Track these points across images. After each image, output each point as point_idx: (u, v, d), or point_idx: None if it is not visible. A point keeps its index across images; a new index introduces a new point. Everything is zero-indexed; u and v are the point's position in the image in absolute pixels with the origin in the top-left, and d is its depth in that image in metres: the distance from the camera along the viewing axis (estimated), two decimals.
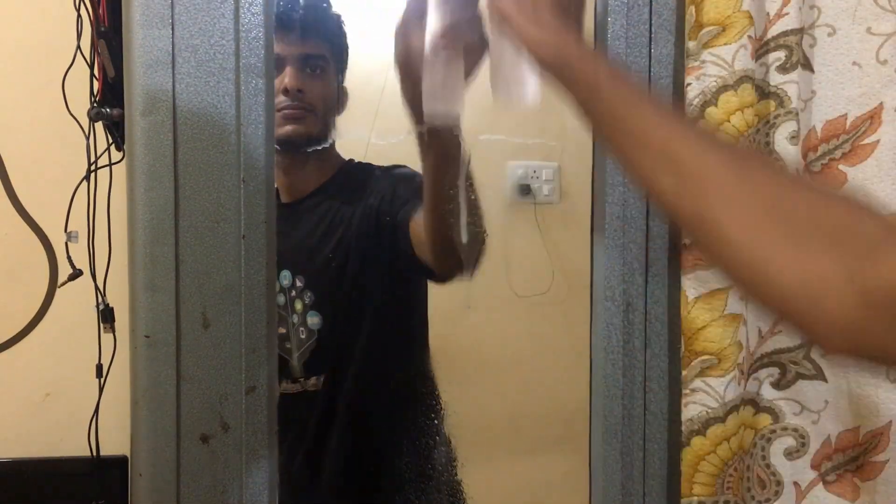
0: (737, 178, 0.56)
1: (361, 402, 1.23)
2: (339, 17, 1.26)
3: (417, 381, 1.29)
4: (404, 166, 1.20)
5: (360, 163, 1.28)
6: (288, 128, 1.18)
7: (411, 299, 1.26)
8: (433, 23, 0.75)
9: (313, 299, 1.20)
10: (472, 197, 1.03)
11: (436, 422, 1.32)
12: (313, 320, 1.19)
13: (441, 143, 0.92)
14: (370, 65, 1.32)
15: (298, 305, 1.20)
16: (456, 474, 1.36)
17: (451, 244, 1.04)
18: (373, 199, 1.20)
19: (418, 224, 1.09)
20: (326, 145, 1.25)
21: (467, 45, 0.75)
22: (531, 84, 0.71)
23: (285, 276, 1.21)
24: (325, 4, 1.25)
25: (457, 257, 1.06)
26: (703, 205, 0.56)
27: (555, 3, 0.65)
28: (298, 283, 1.21)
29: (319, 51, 1.22)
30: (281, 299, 1.22)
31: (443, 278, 1.19)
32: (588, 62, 0.63)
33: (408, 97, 0.85)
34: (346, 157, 1.29)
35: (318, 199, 1.24)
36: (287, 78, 1.17)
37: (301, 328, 1.20)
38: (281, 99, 1.17)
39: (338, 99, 1.26)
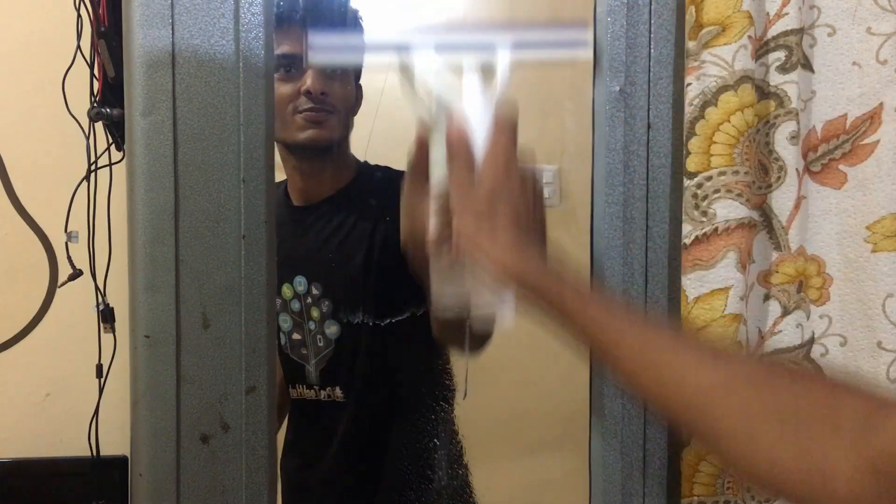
0: (725, 388, 0.57)
1: (379, 414, 1.21)
2: (357, 12, 1.21)
3: (437, 386, 1.27)
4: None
5: (376, 166, 1.25)
6: (310, 131, 1.14)
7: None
8: (433, 224, 0.72)
9: (331, 308, 1.17)
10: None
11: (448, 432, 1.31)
12: (331, 329, 1.17)
13: (451, 324, 0.90)
14: (370, 65, 1.32)
15: (315, 313, 1.18)
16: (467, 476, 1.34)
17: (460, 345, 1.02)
18: (393, 224, 1.13)
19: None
20: (345, 147, 1.22)
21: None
22: (507, 301, 0.70)
23: (300, 283, 1.18)
24: (345, 4, 1.20)
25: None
26: (687, 402, 0.58)
27: (515, 221, 0.65)
28: (315, 291, 1.17)
29: None
30: (296, 305, 1.19)
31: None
32: (552, 281, 0.64)
33: (417, 277, 0.82)
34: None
35: (336, 205, 1.20)
36: (309, 80, 1.13)
37: (319, 336, 1.18)
38: (302, 101, 1.13)
39: (355, 98, 1.23)
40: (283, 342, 1.24)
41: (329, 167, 1.20)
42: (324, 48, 1.16)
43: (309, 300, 1.18)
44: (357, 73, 1.24)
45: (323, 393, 1.22)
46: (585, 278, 0.66)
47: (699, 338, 0.70)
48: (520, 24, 0.74)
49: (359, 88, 1.24)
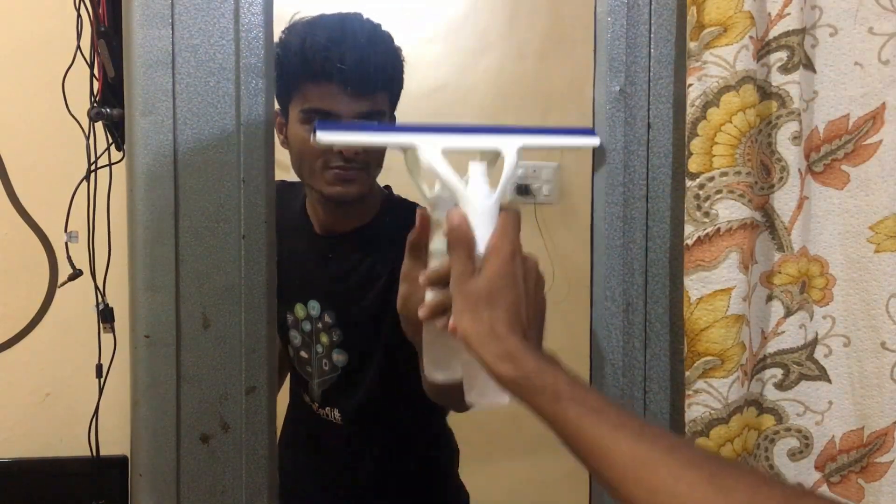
0: (711, 484, 0.57)
1: (376, 443, 1.20)
2: (400, 51, 1.14)
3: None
4: None
5: (401, 200, 1.20)
6: (338, 188, 1.09)
7: None
8: (428, 298, 0.71)
9: (342, 339, 1.15)
10: None
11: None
12: (339, 357, 1.15)
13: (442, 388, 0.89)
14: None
15: (325, 339, 1.16)
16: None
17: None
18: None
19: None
20: (370, 191, 1.16)
21: None
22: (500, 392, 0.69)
23: (314, 307, 1.16)
24: (394, 49, 1.13)
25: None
26: None
27: (511, 317, 0.65)
28: (328, 319, 1.16)
29: (382, 106, 1.10)
30: (307, 326, 1.18)
31: None
32: (547, 376, 0.63)
33: (410, 338, 0.82)
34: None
35: (358, 241, 1.16)
36: None
37: (325, 360, 1.17)
38: (333, 157, 1.07)
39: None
40: (291, 354, 1.23)
41: (355, 209, 1.16)
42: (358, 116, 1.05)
43: (320, 325, 1.16)
44: (393, 110, 1.17)
45: (322, 411, 1.22)
46: (581, 378, 0.65)
47: (694, 449, 0.68)
48: (529, 128, 0.75)
49: (393, 119, 1.18)
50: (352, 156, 1.06)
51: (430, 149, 0.69)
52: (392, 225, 1.16)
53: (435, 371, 0.75)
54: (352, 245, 1.17)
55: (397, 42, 1.13)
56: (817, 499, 0.65)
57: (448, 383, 0.74)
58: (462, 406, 0.87)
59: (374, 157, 1.10)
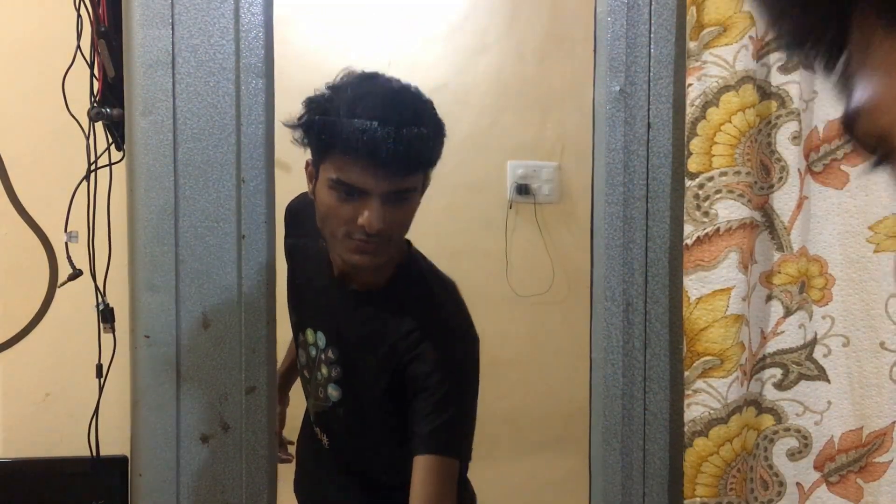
0: None
1: (358, 473, 1.22)
2: (442, 126, 1.05)
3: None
4: (462, 307, 1.12)
5: (419, 261, 1.16)
6: (358, 258, 1.03)
7: None
8: None
9: (340, 375, 1.16)
10: None
11: None
12: (333, 392, 1.16)
13: None
14: (370, 64, 1.32)
15: (325, 370, 1.15)
16: None
17: None
18: (425, 335, 1.07)
19: (417, 469, 1.01)
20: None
21: None
22: None
23: (321, 338, 1.15)
24: (433, 124, 1.03)
25: None
26: None
27: None
28: (331, 354, 1.14)
29: (413, 184, 1.03)
30: (312, 352, 1.17)
31: None
32: None
33: None
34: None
35: (372, 299, 1.13)
36: (367, 217, 0.98)
37: (321, 389, 1.18)
38: (356, 230, 1.01)
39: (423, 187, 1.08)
40: (297, 365, 1.25)
41: (373, 270, 1.10)
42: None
43: (322, 357, 1.16)
44: (432, 168, 1.08)
45: (315, 429, 1.23)
46: None
47: None
48: None
49: (427, 177, 1.09)
50: (375, 232, 1.01)
51: None
52: (405, 293, 1.12)
53: None
54: (365, 301, 1.14)
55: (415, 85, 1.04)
56: None
57: None
58: None
59: (397, 228, 1.05)
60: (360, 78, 1.02)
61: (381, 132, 0.97)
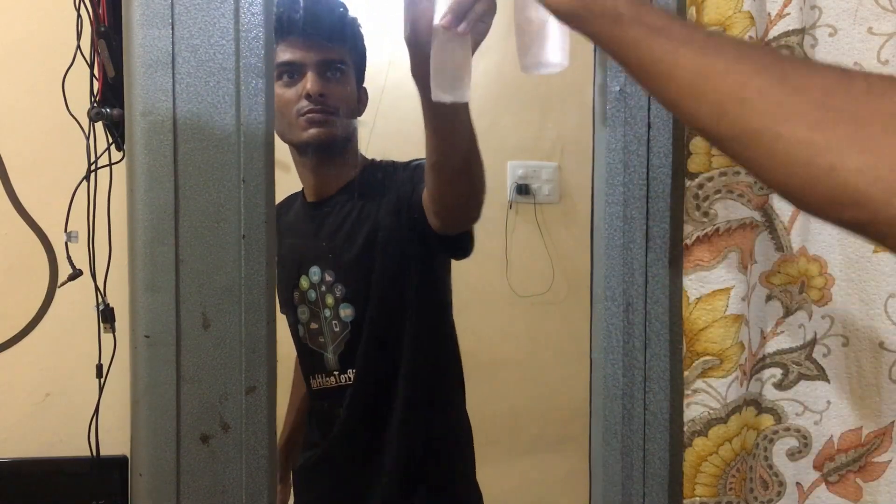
0: (783, 85, 0.52)
1: (395, 395, 1.23)
2: (356, 20, 1.28)
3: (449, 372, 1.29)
4: (422, 159, 1.21)
5: (381, 161, 1.31)
6: (312, 131, 1.21)
7: (438, 287, 1.27)
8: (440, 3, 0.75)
9: (344, 292, 1.22)
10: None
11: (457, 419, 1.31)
12: (346, 312, 1.22)
13: (446, 116, 0.93)
14: (370, 64, 1.33)
15: (330, 300, 1.23)
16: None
17: (457, 177, 1.05)
18: (394, 193, 1.22)
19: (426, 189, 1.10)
20: (350, 145, 1.29)
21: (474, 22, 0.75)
22: (557, 43, 0.71)
23: (315, 273, 1.25)
24: (342, 9, 1.27)
25: (464, 190, 1.08)
26: (747, 119, 0.53)
27: None
28: (328, 278, 1.23)
29: (339, 56, 1.24)
30: (312, 295, 1.24)
31: (462, 227, 1.17)
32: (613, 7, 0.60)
33: (416, 73, 0.87)
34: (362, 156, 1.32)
35: (344, 198, 1.27)
36: (309, 83, 1.20)
37: (334, 321, 1.22)
38: (303, 104, 1.20)
39: (358, 101, 1.29)
40: (301, 333, 1.27)
41: (336, 164, 1.27)
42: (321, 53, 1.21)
43: (323, 288, 1.23)
44: (360, 76, 1.29)
45: (343, 377, 1.25)
46: (641, 0, 0.61)
47: (767, 53, 0.63)
48: None
49: (362, 91, 1.30)
50: (318, 98, 1.19)
51: None
52: (373, 177, 1.26)
53: (443, 93, 0.77)
54: (339, 202, 1.27)
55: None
56: None
57: (455, 103, 0.78)
58: (457, 198, 1.01)
59: (341, 102, 1.23)
60: None
61: (296, 9, 1.18)
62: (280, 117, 1.21)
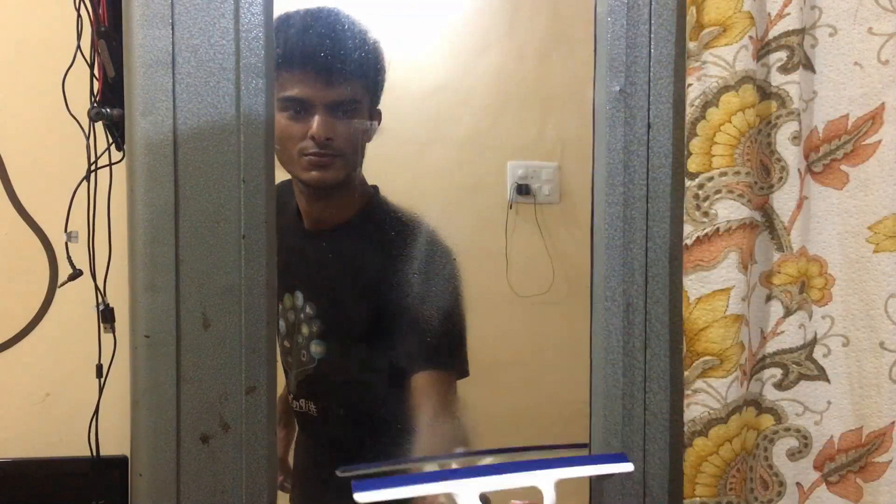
0: None
1: (348, 434, 1.22)
2: (377, 44, 1.19)
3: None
4: (434, 235, 1.17)
5: (385, 201, 1.24)
6: (314, 174, 1.14)
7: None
8: None
9: (321, 329, 1.18)
10: None
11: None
12: (317, 349, 1.18)
13: None
14: None
15: (305, 330, 1.19)
16: None
17: None
18: (400, 266, 1.16)
19: (416, 387, 1.06)
20: (352, 180, 1.21)
21: None
22: None
23: (298, 297, 1.20)
24: (360, 39, 1.17)
25: None
26: None
27: None
28: (309, 310, 1.19)
29: (352, 94, 1.16)
30: (291, 316, 1.21)
31: None
32: None
33: None
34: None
35: (341, 236, 1.21)
36: (315, 126, 1.12)
37: (304, 351, 1.19)
38: (307, 144, 1.13)
39: (368, 126, 1.21)
40: (279, 341, 1.26)
41: (336, 200, 1.20)
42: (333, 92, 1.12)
43: (302, 316, 1.20)
44: (375, 99, 1.22)
45: (297, 403, 1.23)
46: None
47: None
48: (564, 459, 0.79)
49: (375, 113, 1.22)
50: (324, 141, 1.11)
51: (469, 495, 0.72)
52: (371, 226, 1.20)
53: None
54: (333, 240, 1.21)
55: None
56: None
57: None
58: None
59: (347, 143, 1.16)
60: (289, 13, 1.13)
61: (310, 42, 1.10)
62: (281, 148, 1.14)
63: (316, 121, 1.11)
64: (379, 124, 1.23)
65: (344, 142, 1.15)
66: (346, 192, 1.20)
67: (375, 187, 1.25)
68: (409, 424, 1.16)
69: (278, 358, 1.28)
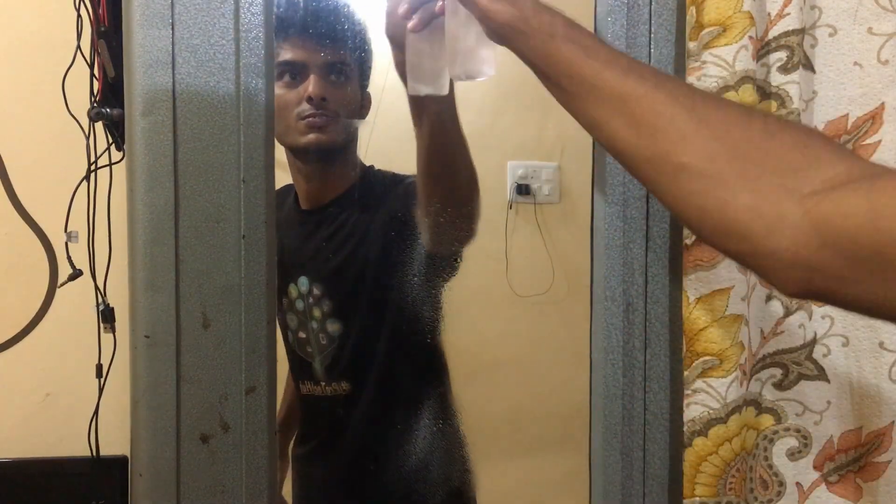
0: (690, 116, 0.57)
1: (383, 406, 1.23)
2: (363, 22, 1.25)
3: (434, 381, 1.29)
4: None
5: (379, 171, 1.28)
6: (312, 136, 1.18)
7: (427, 303, 1.26)
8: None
9: (332, 307, 1.20)
10: None
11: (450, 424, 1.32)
12: (333, 327, 1.20)
13: (432, 110, 0.93)
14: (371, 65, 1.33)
15: (317, 313, 1.21)
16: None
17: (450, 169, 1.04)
18: (387, 209, 1.19)
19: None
20: (349, 152, 1.26)
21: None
22: (487, 57, 0.73)
23: (303, 283, 1.22)
24: (347, 9, 1.24)
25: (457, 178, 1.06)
26: (657, 145, 0.57)
27: None
28: (316, 292, 1.21)
29: (343, 57, 1.22)
30: (300, 305, 1.22)
31: (453, 245, 1.17)
32: (544, 16, 0.64)
33: (398, 69, 0.87)
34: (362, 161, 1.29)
35: (338, 209, 1.24)
36: (311, 86, 1.17)
37: (321, 334, 1.21)
38: (304, 107, 1.17)
39: (361, 105, 1.26)
40: (290, 340, 1.27)
41: (333, 171, 1.24)
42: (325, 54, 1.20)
43: (311, 300, 1.21)
44: (364, 79, 1.27)
45: (328, 389, 1.24)
46: (573, 21, 0.66)
47: (681, 85, 0.69)
48: None
49: (366, 95, 1.27)
50: (320, 101, 1.16)
51: None
52: (370, 189, 1.24)
53: (420, 85, 0.79)
54: (334, 212, 1.24)
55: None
56: (806, 132, 0.63)
57: (432, 95, 0.80)
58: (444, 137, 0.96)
59: (343, 104, 1.20)
60: None
61: (305, 11, 1.17)
62: (279, 119, 1.18)
63: (311, 80, 1.16)
64: (369, 108, 1.27)
65: (339, 104, 1.19)
66: (343, 163, 1.24)
67: (371, 166, 1.29)
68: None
69: (286, 356, 1.30)
